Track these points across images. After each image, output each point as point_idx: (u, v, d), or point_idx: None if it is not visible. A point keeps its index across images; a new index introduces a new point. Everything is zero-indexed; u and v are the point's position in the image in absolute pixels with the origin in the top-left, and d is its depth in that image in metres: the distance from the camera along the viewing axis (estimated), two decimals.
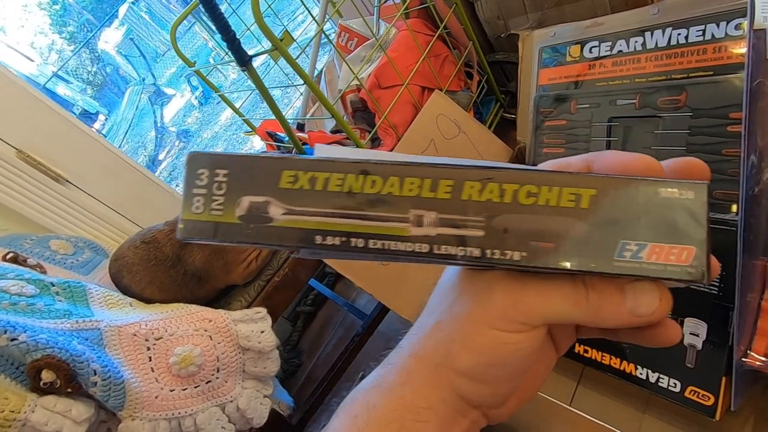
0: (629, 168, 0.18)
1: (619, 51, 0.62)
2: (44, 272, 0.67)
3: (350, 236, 0.18)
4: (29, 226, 0.89)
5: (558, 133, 0.67)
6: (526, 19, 0.81)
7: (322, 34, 0.80)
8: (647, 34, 0.59)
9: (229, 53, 0.63)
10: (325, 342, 1.21)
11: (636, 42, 0.60)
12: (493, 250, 0.17)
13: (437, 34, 0.81)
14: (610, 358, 0.57)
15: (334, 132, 0.88)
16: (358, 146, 0.75)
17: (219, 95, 0.83)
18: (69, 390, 0.50)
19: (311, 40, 0.83)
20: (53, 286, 0.60)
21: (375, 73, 0.80)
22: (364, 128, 0.85)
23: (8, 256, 0.64)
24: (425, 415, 0.20)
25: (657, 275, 0.17)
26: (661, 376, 0.53)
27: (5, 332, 0.49)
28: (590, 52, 0.64)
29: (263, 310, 0.64)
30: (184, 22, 0.83)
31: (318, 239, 0.18)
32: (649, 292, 0.18)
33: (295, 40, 0.89)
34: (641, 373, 0.55)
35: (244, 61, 0.62)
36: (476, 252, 0.17)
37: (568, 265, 0.17)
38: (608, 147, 0.62)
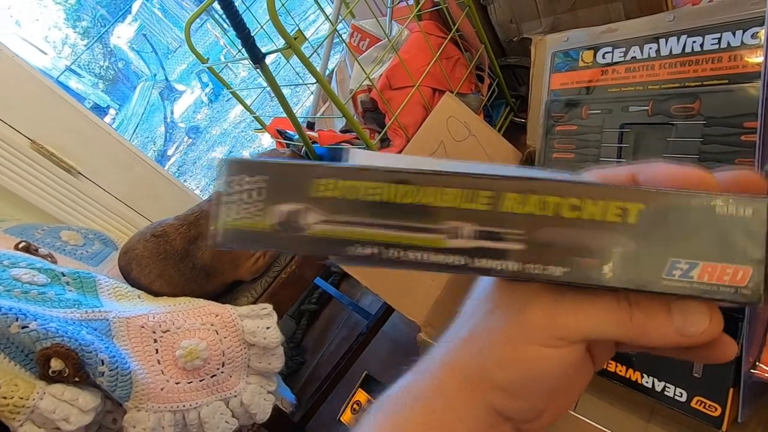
0: (680, 181, 0.17)
1: (633, 57, 0.61)
2: (55, 262, 0.68)
3: (385, 247, 0.17)
4: (41, 216, 0.90)
5: (569, 138, 0.67)
6: (539, 23, 0.81)
7: (335, 34, 0.80)
8: (662, 41, 0.59)
9: (243, 51, 0.63)
10: (328, 341, 1.21)
11: (650, 48, 0.60)
12: (534, 264, 0.16)
13: (449, 37, 0.81)
14: (616, 366, 0.57)
15: (344, 131, 0.88)
16: (368, 146, 0.75)
17: (231, 92, 0.83)
18: (77, 379, 0.51)
19: (324, 40, 0.83)
20: (64, 276, 0.61)
21: (386, 74, 0.80)
22: (374, 128, 0.85)
23: (20, 245, 0.65)
24: (456, 427, 0.19)
25: (708, 296, 0.16)
26: (668, 385, 0.53)
27: (17, 320, 0.49)
28: (603, 57, 0.64)
29: (269, 307, 0.65)
30: (197, 19, 0.84)
31: (352, 249, 0.17)
32: (699, 312, 0.17)
33: (307, 39, 0.89)
34: (647, 382, 0.54)
35: (257, 58, 0.63)
36: (515, 266, 0.17)
37: (612, 282, 0.16)
38: (619, 153, 0.61)
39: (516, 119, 0.91)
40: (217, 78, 0.85)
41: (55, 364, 0.50)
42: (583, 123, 0.65)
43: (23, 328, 0.50)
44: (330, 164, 0.18)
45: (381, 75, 0.81)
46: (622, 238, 0.16)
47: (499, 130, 0.88)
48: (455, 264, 0.17)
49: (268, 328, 0.61)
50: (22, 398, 0.48)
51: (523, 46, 0.85)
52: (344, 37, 0.97)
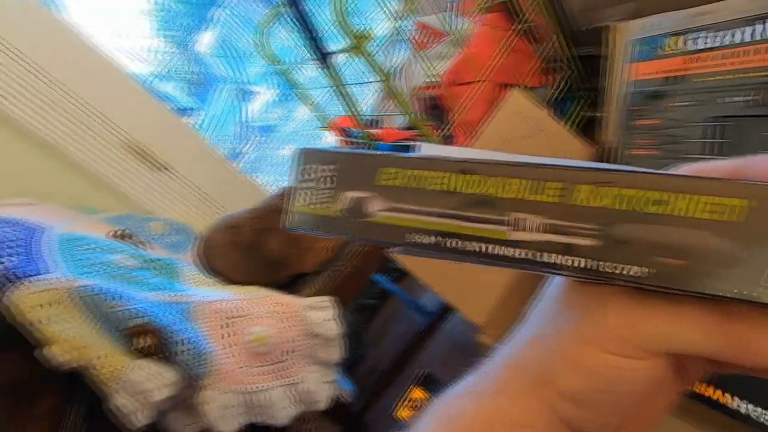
0: None
1: (730, 42, 0.55)
2: (145, 249, 0.75)
3: (446, 236, 0.17)
4: (134, 207, 1.01)
5: (651, 133, 0.62)
6: (618, 9, 0.75)
7: (399, 31, 0.80)
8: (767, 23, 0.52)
9: (310, 51, 0.66)
10: (387, 336, 1.23)
11: (751, 32, 0.53)
12: (608, 262, 0.15)
13: (518, 29, 0.78)
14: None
15: (405, 129, 0.89)
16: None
17: (298, 93, 0.87)
18: (161, 356, 0.56)
19: (388, 38, 0.84)
20: (152, 262, 0.68)
21: (451, 70, 0.79)
22: (437, 125, 0.85)
23: (117, 233, 0.73)
24: None
25: None
26: (757, 407, 0.47)
27: (113, 299, 0.56)
28: (694, 43, 0.58)
29: (331, 299, 0.67)
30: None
31: (413, 237, 0.17)
32: None
33: (372, 38, 0.90)
34: (732, 403, 0.49)
35: (324, 58, 0.65)
36: (586, 263, 0.15)
37: (702, 287, 0.14)
38: (712, 150, 0.55)
39: (589, 114, 0.86)
40: (286, 79, 0.89)
41: (144, 341, 0.56)
42: (668, 116, 0.59)
43: (118, 306, 0.56)
44: (396, 154, 0.18)
45: (445, 71, 0.80)
46: (717, 238, 0.14)
47: (570, 126, 0.83)
48: (519, 258, 0.16)
49: (329, 320, 0.63)
50: (116, 369, 0.54)
51: (599, 35, 0.79)
52: (409, 34, 0.96)
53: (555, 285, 0.20)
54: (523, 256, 0.16)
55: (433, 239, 0.17)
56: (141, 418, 0.55)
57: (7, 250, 0.60)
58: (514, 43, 0.79)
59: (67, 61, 0.92)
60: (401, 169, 0.18)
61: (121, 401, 0.54)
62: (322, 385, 0.65)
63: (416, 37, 0.93)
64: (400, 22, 0.79)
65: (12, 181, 0.88)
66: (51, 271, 0.59)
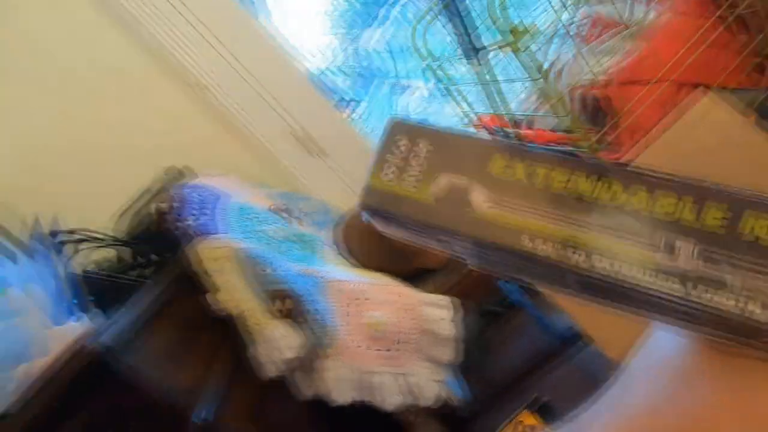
0: None
1: None
2: (295, 224, 0.85)
3: (569, 247, 0.14)
4: (290, 186, 1.15)
5: None
6: None
7: (563, 24, 0.73)
8: None
9: (463, 47, 0.65)
10: (508, 348, 1.16)
11: None
12: None
13: (724, 16, 0.64)
14: None
15: (557, 131, 0.81)
16: (588, 150, 0.67)
17: (445, 88, 0.86)
18: (294, 320, 0.64)
19: (548, 31, 0.77)
20: (297, 236, 0.77)
21: (625, 66, 0.69)
22: (596, 130, 0.75)
23: (274, 207, 0.85)
24: None
25: None
26: None
27: (264, 264, 0.65)
28: None
29: (450, 299, 0.66)
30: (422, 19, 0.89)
31: (526, 241, 0.15)
32: None
33: (530, 33, 0.85)
34: None
35: (477, 54, 0.63)
36: (760, 314, 0.12)
37: None
38: None
39: None
40: (436, 75, 0.89)
41: (283, 304, 0.64)
42: None
43: (266, 270, 0.65)
44: (514, 143, 0.16)
45: (617, 67, 0.70)
46: None
47: None
48: (661, 292, 0.13)
49: (444, 319, 0.63)
50: (258, 323, 0.63)
51: None
52: (575, 26, 0.87)
53: (668, 346, 0.16)
54: (669, 291, 0.13)
55: (552, 247, 0.14)
56: (272, 370, 0.63)
57: (198, 210, 0.75)
58: (710, 34, 0.65)
59: (257, 55, 1.10)
60: (518, 159, 0.15)
61: (259, 352, 0.63)
62: (430, 383, 0.65)
63: (583, 30, 0.84)
64: (565, 13, 0.72)
65: (206, 157, 1.10)
66: (224, 232, 0.71)
